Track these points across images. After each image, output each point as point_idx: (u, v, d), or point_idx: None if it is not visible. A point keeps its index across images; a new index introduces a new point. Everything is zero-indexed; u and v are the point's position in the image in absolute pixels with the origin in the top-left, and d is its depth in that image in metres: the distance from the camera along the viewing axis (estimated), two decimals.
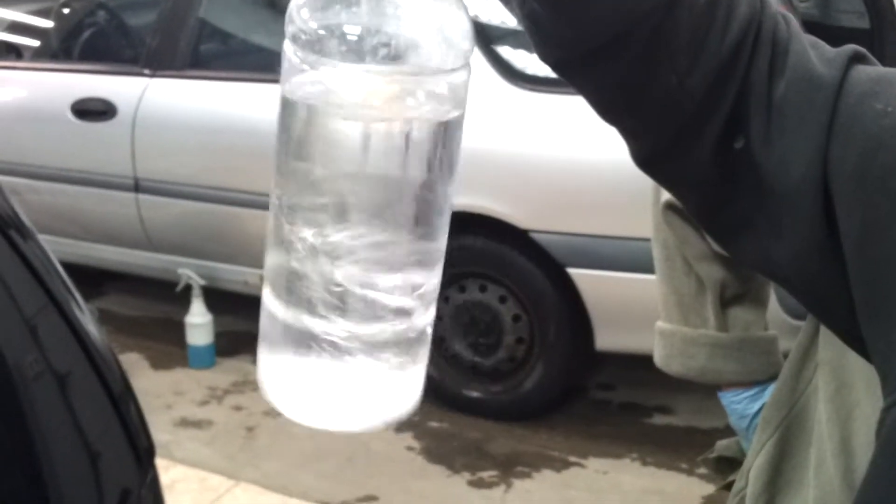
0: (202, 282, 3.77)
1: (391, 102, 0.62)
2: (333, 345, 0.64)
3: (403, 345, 0.66)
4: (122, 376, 1.40)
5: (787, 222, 0.70)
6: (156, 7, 3.91)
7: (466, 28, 0.65)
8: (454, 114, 0.65)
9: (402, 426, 3.43)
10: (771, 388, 1.03)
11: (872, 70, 0.70)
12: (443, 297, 3.16)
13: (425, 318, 0.68)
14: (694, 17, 0.67)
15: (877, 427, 0.65)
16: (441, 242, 0.67)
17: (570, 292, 3.17)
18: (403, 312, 0.66)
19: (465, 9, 0.65)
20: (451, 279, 3.24)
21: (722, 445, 1.45)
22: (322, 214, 0.64)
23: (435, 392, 3.46)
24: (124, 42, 4.18)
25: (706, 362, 1.45)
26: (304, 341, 0.65)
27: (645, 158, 0.75)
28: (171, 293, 3.86)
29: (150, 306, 4.23)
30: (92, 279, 4.07)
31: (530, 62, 3.25)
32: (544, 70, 3.40)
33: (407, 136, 0.63)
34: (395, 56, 0.61)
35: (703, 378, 1.47)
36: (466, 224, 3.10)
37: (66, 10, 4.33)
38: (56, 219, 3.85)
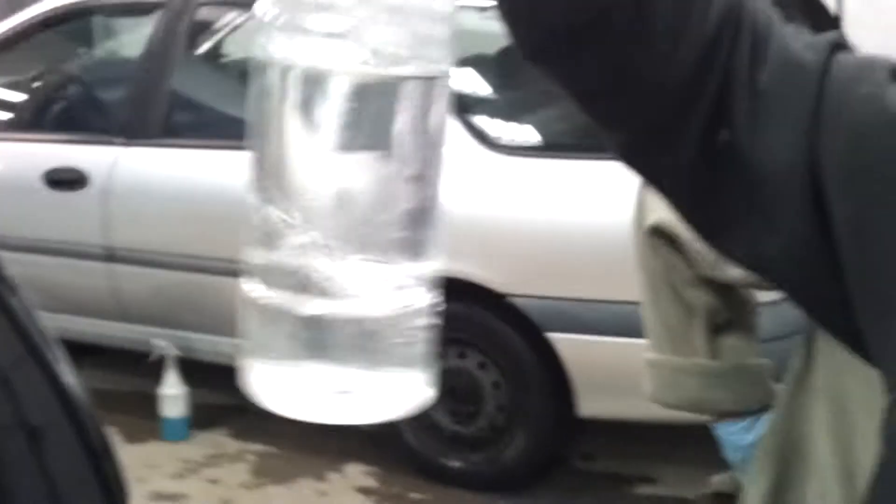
0: (176, 352, 3.72)
1: (376, 55, 0.60)
2: (327, 333, 0.61)
3: (401, 331, 0.64)
4: (101, 432, 1.36)
5: (777, 214, 0.68)
6: (128, 79, 3.92)
7: None
8: (442, 68, 0.63)
9: (384, 497, 3.37)
10: (765, 419, 1.01)
11: (854, 56, 0.69)
12: None
13: (424, 301, 0.65)
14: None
15: (882, 424, 0.64)
16: (431, 225, 0.65)
17: (550, 358, 3.14)
18: (402, 290, 0.63)
19: None
20: None
21: (718, 481, 1.42)
22: (307, 188, 0.62)
23: (415, 462, 3.41)
24: (96, 112, 4.18)
25: (699, 392, 1.43)
26: (297, 332, 0.62)
27: (626, 151, 0.74)
28: (144, 365, 3.80)
29: (122, 379, 4.16)
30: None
31: (506, 129, 3.27)
32: (519, 136, 3.44)
33: (392, 91, 0.61)
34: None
35: (695, 409, 1.45)
36: (444, 289, 3.07)
37: (36, 83, 4.33)
38: (28, 290, 3.78)
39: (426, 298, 0.66)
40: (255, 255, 0.65)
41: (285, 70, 0.61)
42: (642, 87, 0.69)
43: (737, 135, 0.68)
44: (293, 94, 0.61)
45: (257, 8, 0.62)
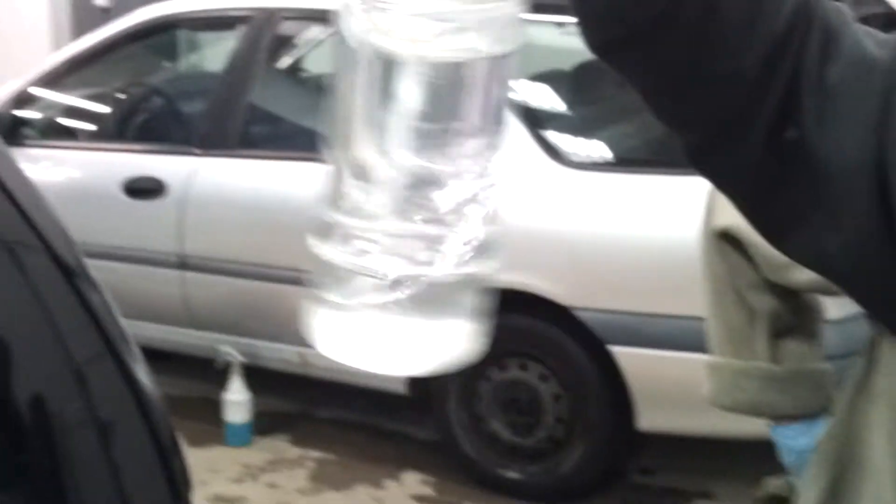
0: (242, 359, 3.78)
1: (445, 36, 0.63)
2: (391, 287, 0.64)
3: (460, 286, 0.66)
4: (171, 429, 1.39)
5: (842, 211, 0.69)
6: (208, 91, 4.02)
7: None
8: (508, 48, 0.66)
9: None
10: (822, 422, 1.01)
11: None
12: (482, 376, 3.18)
13: (485, 263, 0.67)
14: None
15: None
16: (494, 194, 0.67)
17: (611, 371, 3.15)
18: (465, 252, 0.65)
19: None
20: (491, 358, 3.24)
21: (772, 484, 1.42)
22: (380, 155, 0.65)
23: (472, 472, 3.43)
24: (177, 123, 4.27)
25: (758, 396, 1.43)
26: (360, 284, 0.65)
27: (696, 151, 0.74)
28: (210, 371, 3.87)
29: (188, 384, 4.23)
30: None
31: (577, 144, 3.30)
32: (591, 151, 3.45)
33: (462, 70, 0.64)
34: None
35: (754, 412, 1.44)
36: (507, 301, 3.09)
37: (121, 95, 4.44)
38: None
39: (487, 262, 0.68)
40: (326, 213, 0.68)
41: (363, 48, 0.65)
42: (711, 83, 0.70)
43: (805, 132, 0.69)
44: (370, 70, 0.65)
45: None
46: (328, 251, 0.67)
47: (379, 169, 0.65)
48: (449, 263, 0.65)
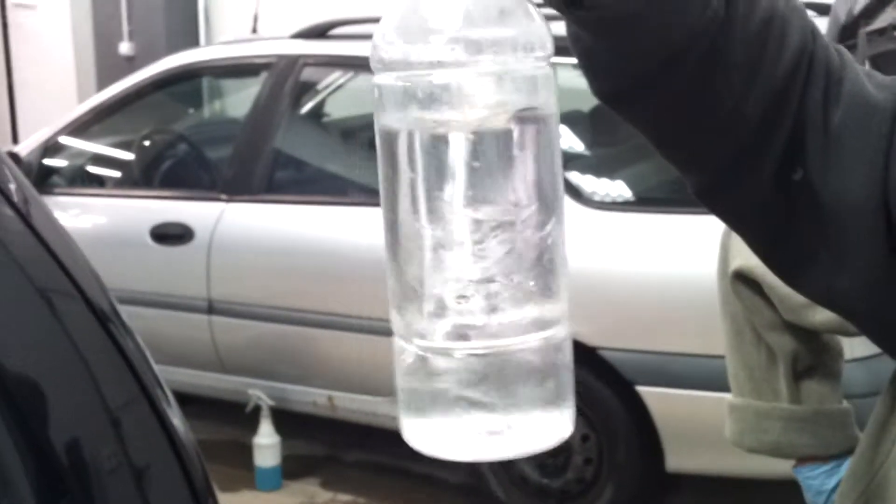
0: (271, 402, 3.79)
1: (492, 102, 0.64)
2: (475, 377, 0.65)
3: (537, 365, 0.67)
4: (205, 473, 1.40)
5: (851, 251, 0.70)
6: (233, 137, 4.06)
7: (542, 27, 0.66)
8: (550, 109, 0.66)
9: None
10: (848, 462, 1.02)
11: None
12: None
13: (561, 337, 0.68)
14: (747, 41, 0.68)
15: None
16: (562, 263, 0.67)
17: (639, 411, 3.14)
18: (541, 329, 0.66)
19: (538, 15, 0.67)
20: None
21: None
22: (444, 244, 0.65)
23: None
24: (202, 170, 4.31)
25: (780, 436, 1.43)
26: (447, 380, 0.66)
27: (703, 191, 0.75)
28: (239, 415, 3.88)
29: (217, 428, 4.24)
30: None
31: (599, 184, 3.31)
32: (612, 191, 3.45)
33: (514, 133, 0.65)
34: (475, 60, 0.63)
35: (777, 453, 1.45)
36: None
37: (146, 142, 4.49)
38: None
39: (562, 335, 0.68)
40: (401, 314, 0.68)
41: (407, 136, 0.66)
42: (716, 128, 0.71)
43: (810, 173, 0.70)
44: (417, 156, 0.66)
45: (375, 80, 0.67)
46: (408, 346, 0.67)
47: (447, 256, 0.66)
48: (524, 339, 0.65)
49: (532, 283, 0.66)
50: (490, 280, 0.65)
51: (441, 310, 0.66)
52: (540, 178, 0.66)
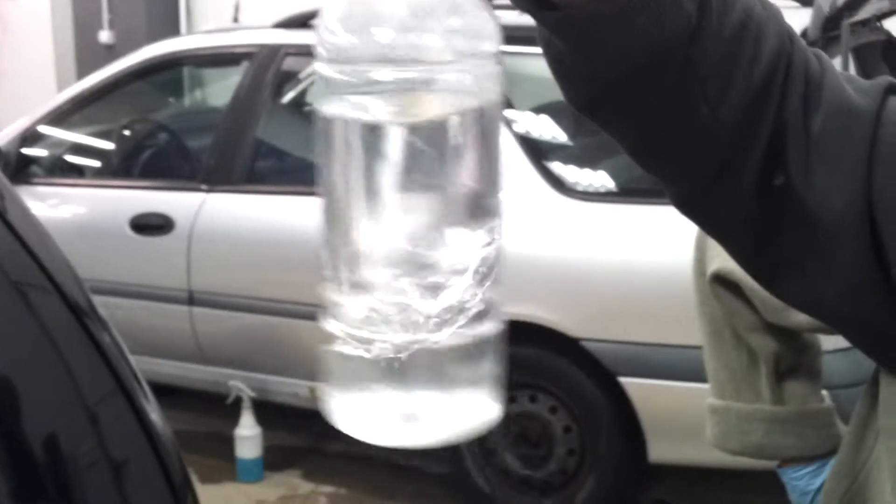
0: (252, 394, 3.78)
1: (424, 101, 0.64)
2: (396, 361, 0.65)
3: (467, 354, 0.66)
4: (183, 467, 1.39)
5: (834, 258, 0.69)
6: (214, 127, 4.03)
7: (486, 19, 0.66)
8: (486, 101, 0.66)
9: None
10: (832, 463, 1.01)
11: None
12: None
13: (490, 327, 0.67)
14: (721, 46, 0.67)
15: None
16: (498, 251, 0.67)
17: (622, 402, 3.14)
18: (468, 316, 0.65)
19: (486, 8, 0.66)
20: None
21: None
22: (374, 228, 0.65)
23: None
24: (183, 159, 4.29)
25: (764, 438, 1.43)
26: (368, 362, 0.66)
27: (684, 201, 0.75)
28: (220, 406, 3.87)
29: (198, 420, 4.23)
30: None
31: (580, 174, 3.30)
32: (594, 181, 3.45)
33: (444, 130, 0.64)
34: (417, 54, 0.63)
35: (760, 455, 1.44)
36: (516, 334, 3.09)
37: (126, 132, 4.47)
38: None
39: (492, 324, 0.68)
40: (329, 295, 0.69)
41: (344, 124, 0.66)
42: (695, 136, 0.70)
43: (792, 180, 0.70)
44: (353, 146, 0.66)
45: (316, 66, 0.67)
46: (336, 329, 0.68)
47: (374, 242, 0.66)
48: (450, 328, 0.65)
49: (460, 273, 0.66)
50: (417, 270, 0.65)
51: (366, 296, 0.66)
52: (478, 169, 0.66)
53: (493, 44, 0.65)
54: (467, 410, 0.68)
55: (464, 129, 0.65)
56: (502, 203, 0.68)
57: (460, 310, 0.65)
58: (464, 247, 0.65)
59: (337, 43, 0.65)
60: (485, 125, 0.66)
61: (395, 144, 0.64)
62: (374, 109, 0.64)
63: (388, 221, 0.65)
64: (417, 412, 0.67)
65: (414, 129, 0.64)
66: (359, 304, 0.66)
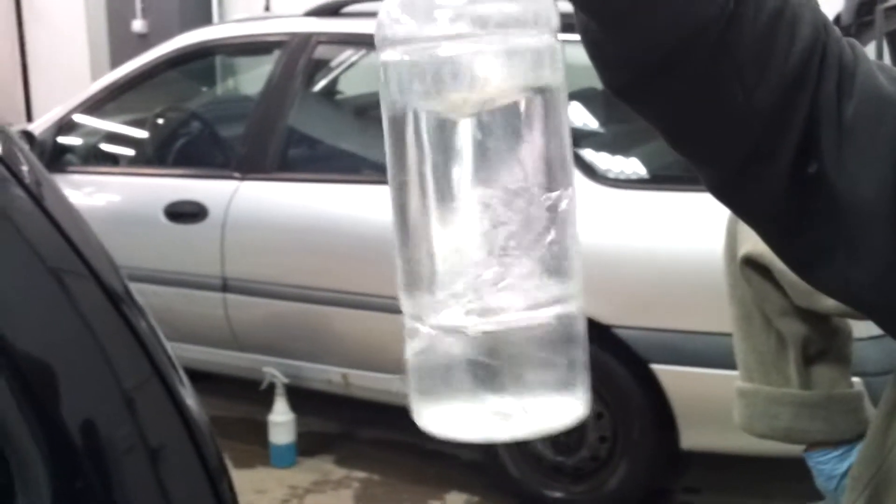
0: (286, 380, 3.80)
1: (499, 77, 0.63)
2: (485, 359, 0.64)
3: (551, 343, 0.66)
4: (218, 452, 1.40)
5: (864, 245, 0.70)
6: (247, 115, 4.05)
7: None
8: (557, 83, 0.66)
9: None
10: (859, 447, 1.01)
11: None
12: None
13: (575, 320, 0.67)
14: (757, 32, 0.68)
15: None
16: (574, 242, 0.66)
17: (654, 389, 3.13)
18: (549, 301, 0.65)
19: None
20: None
21: None
22: (451, 225, 0.64)
23: (516, 492, 3.42)
24: (216, 148, 4.31)
25: (791, 422, 1.43)
26: (457, 362, 0.65)
27: (718, 185, 0.76)
28: (253, 392, 3.90)
29: (232, 405, 4.27)
30: None
31: (613, 162, 3.30)
32: (627, 168, 3.43)
33: (516, 108, 0.64)
34: (482, 26, 0.63)
35: (788, 438, 1.44)
36: None
37: (160, 120, 4.49)
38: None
39: (575, 312, 0.68)
40: (410, 294, 0.68)
41: (413, 114, 0.65)
42: (729, 122, 0.71)
43: (825, 167, 0.70)
44: (426, 136, 0.65)
45: (382, 58, 0.66)
46: (418, 327, 0.67)
47: (459, 233, 0.65)
48: (528, 308, 0.64)
49: (543, 260, 0.65)
50: (500, 257, 0.65)
51: (451, 288, 0.65)
52: (549, 153, 0.66)
53: (552, 22, 0.66)
54: (559, 403, 0.68)
55: (535, 109, 0.65)
56: (573, 183, 0.67)
57: (541, 295, 0.65)
58: (538, 230, 0.65)
59: (400, 28, 0.65)
60: (554, 99, 0.66)
61: (467, 130, 0.64)
62: (443, 95, 0.64)
63: (468, 209, 0.65)
64: (512, 408, 0.66)
65: (486, 114, 0.64)
66: (446, 297, 0.65)
